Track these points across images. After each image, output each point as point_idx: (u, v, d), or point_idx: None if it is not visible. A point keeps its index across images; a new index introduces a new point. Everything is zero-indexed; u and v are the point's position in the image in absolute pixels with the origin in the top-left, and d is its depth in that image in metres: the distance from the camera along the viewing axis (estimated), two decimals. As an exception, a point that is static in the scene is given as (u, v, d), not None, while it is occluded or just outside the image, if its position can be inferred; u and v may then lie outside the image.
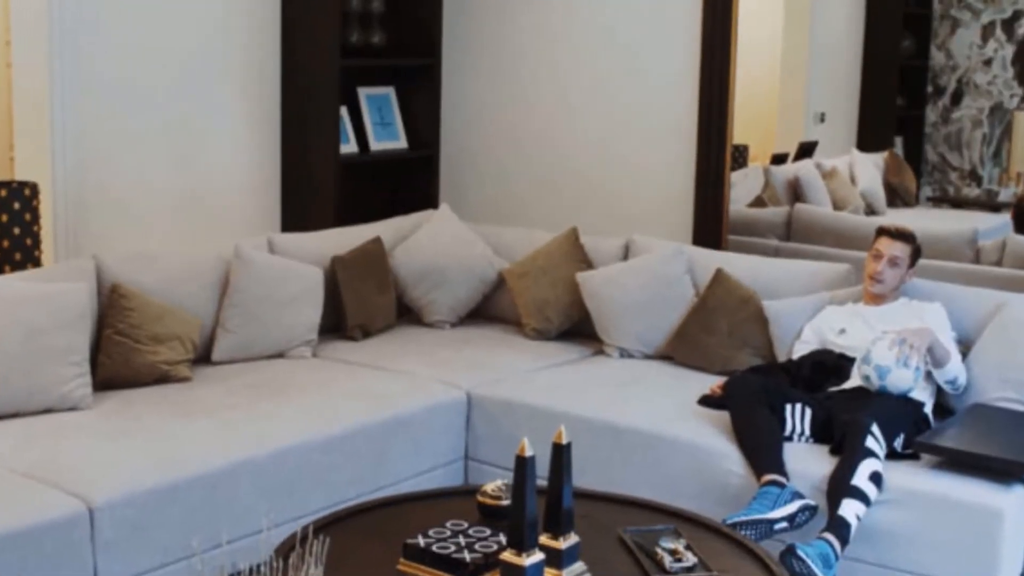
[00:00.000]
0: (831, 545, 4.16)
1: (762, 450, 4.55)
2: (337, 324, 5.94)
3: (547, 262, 6.12)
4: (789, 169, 6.79)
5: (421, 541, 3.47)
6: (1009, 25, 6.25)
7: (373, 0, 6.96)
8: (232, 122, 6.47)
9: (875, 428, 4.40)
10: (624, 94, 6.65)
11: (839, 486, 4.29)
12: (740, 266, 5.74)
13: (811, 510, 4.33)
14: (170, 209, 6.22)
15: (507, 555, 3.24)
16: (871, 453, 4.33)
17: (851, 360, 4.98)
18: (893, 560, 4.35)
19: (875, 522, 4.31)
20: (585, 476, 4.46)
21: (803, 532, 4.31)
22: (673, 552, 3.53)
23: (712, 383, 5.10)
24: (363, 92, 7.03)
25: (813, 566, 4.05)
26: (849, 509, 4.23)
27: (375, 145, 7.03)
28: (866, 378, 4.78)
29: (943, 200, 6.60)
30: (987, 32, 6.32)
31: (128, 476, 4.11)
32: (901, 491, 4.33)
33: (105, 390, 4.93)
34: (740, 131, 6.40)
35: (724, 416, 4.79)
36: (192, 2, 6.22)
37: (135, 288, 5.12)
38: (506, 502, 3.67)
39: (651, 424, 4.89)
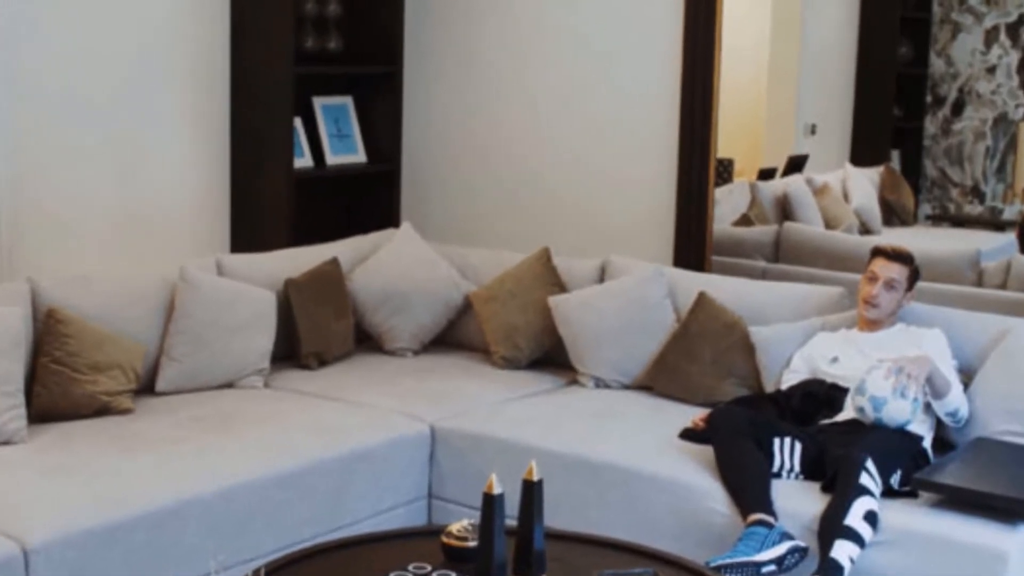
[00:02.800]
0: (822, 589, 4.20)
1: (748, 487, 4.57)
2: (291, 352, 5.94)
3: (517, 285, 6.14)
4: (777, 185, 6.82)
5: (382, 585, 3.49)
6: (1014, 30, 6.29)
7: (330, 3, 6.99)
8: (178, 134, 6.48)
9: (870, 464, 4.42)
10: (599, 104, 6.69)
11: (831, 526, 4.31)
12: (725, 289, 5.76)
13: (801, 552, 4.34)
14: (111, 227, 6.22)
15: (475, 600, 3.27)
16: (865, 491, 4.35)
17: (844, 391, 5.01)
18: (889, 605, 4.39)
19: (870, 565, 4.32)
20: (558, 515, 4.49)
21: None
22: (653, 596, 3.57)
23: (694, 415, 5.14)
24: (319, 102, 7.06)
25: (803, 611, 4.09)
26: (842, 551, 4.24)
27: (331, 159, 7.04)
28: (860, 410, 4.80)
29: (943, 218, 6.65)
30: (990, 37, 6.37)
31: (66, 515, 4.11)
32: (898, 531, 4.35)
33: (41, 423, 4.92)
34: (725, 144, 6.43)
35: (707, 451, 4.81)
36: (135, 4, 6.23)
37: (73, 313, 5.12)
38: (473, 543, 3.68)
39: (629, 459, 4.91)
